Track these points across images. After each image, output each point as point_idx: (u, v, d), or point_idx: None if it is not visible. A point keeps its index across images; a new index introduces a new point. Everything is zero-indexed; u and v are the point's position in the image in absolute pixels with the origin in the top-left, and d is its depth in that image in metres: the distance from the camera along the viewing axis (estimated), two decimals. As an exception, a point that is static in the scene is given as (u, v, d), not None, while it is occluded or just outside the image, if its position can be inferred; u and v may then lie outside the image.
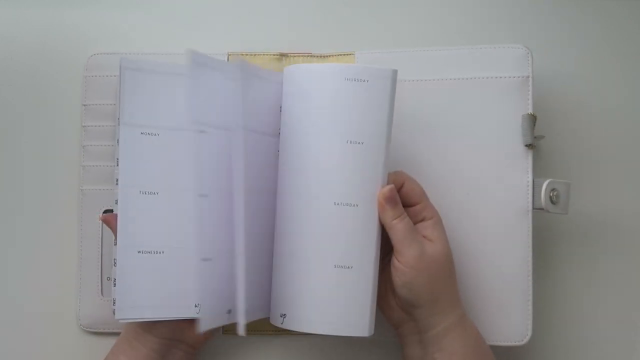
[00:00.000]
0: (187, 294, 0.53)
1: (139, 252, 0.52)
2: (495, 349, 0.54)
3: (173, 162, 0.54)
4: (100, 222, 0.59)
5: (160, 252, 0.53)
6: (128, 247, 0.52)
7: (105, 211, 0.59)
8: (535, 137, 0.56)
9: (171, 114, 0.54)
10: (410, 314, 0.51)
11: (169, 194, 0.53)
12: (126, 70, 0.54)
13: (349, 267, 0.51)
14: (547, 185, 0.55)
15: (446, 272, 0.51)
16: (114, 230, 0.53)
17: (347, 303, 0.51)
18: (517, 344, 0.55)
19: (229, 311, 0.52)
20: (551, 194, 0.55)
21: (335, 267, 0.51)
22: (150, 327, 0.53)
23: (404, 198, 0.51)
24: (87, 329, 0.60)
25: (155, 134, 0.54)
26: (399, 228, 0.50)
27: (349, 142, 0.51)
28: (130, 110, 0.54)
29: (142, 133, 0.54)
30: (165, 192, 0.53)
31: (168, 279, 0.53)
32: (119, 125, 0.53)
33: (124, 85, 0.54)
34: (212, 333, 0.56)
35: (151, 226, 0.53)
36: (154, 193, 0.53)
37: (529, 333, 0.55)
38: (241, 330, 0.47)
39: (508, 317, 0.55)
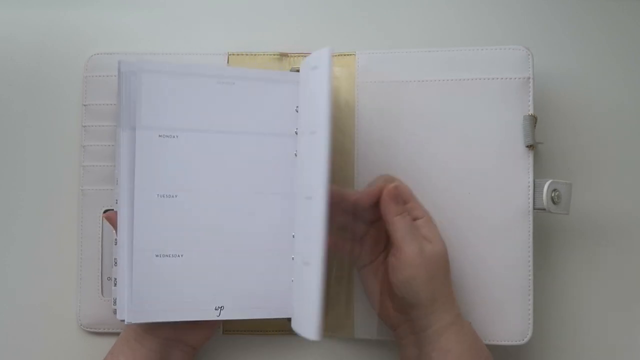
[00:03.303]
0: (206, 296, 0.53)
1: (157, 255, 0.52)
2: (496, 349, 0.54)
3: (192, 164, 0.54)
4: (101, 222, 0.59)
5: (179, 256, 0.53)
6: (145, 251, 0.52)
7: (106, 211, 0.59)
8: (535, 142, 0.56)
9: (189, 115, 0.54)
10: (407, 313, 0.52)
11: (188, 196, 0.53)
12: (143, 73, 0.53)
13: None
14: (549, 185, 0.55)
15: (443, 271, 0.51)
16: (115, 227, 0.53)
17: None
18: (518, 343, 0.55)
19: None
20: (553, 195, 0.55)
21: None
22: (151, 327, 0.53)
23: None
24: (87, 329, 0.60)
25: (174, 136, 0.54)
26: (401, 224, 0.51)
27: (299, 133, 0.53)
28: (148, 113, 0.53)
29: (160, 136, 0.53)
30: (184, 194, 0.53)
31: (187, 282, 0.52)
32: (119, 126, 0.53)
33: (141, 88, 0.53)
34: (212, 333, 0.56)
35: (169, 229, 0.52)
36: (173, 196, 0.53)
37: (529, 333, 0.55)
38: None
39: (508, 316, 0.56)
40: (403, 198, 0.53)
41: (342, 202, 0.53)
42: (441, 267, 0.51)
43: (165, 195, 0.53)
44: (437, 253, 0.51)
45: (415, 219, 0.52)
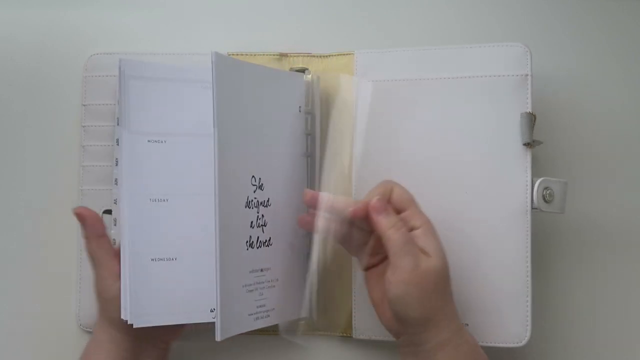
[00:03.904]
0: (201, 298, 0.53)
1: (152, 259, 0.53)
2: (494, 351, 0.54)
3: (181, 168, 0.55)
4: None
5: (173, 259, 0.53)
6: (140, 255, 0.52)
7: (105, 211, 0.59)
8: (533, 141, 0.55)
9: (177, 120, 0.55)
10: (404, 327, 0.50)
11: (179, 200, 0.54)
12: (130, 79, 0.54)
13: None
14: (540, 183, 0.54)
15: (440, 287, 0.48)
16: (85, 226, 0.53)
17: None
18: (516, 345, 0.55)
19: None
20: (544, 193, 0.54)
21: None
22: (125, 327, 0.52)
23: (391, 205, 0.50)
24: (87, 329, 0.60)
25: (162, 141, 0.54)
26: (394, 238, 0.48)
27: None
28: (135, 118, 0.54)
29: (149, 141, 0.54)
30: (175, 198, 0.54)
31: (183, 285, 0.53)
32: (117, 125, 0.54)
33: (128, 95, 0.54)
34: (183, 328, 0.56)
35: (163, 233, 0.53)
36: (164, 200, 0.54)
37: (528, 335, 0.55)
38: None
39: (506, 318, 0.55)
40: (398, 207, 0.50)
41: (337, 212, 0.52)
42: (438, 283, 0.48)
43: (156, 200, 0.54)
44: (434, 268, 0.48)
45: (412, 229, 0.50)
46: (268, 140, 0.55)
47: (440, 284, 0.48)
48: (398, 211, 0.50)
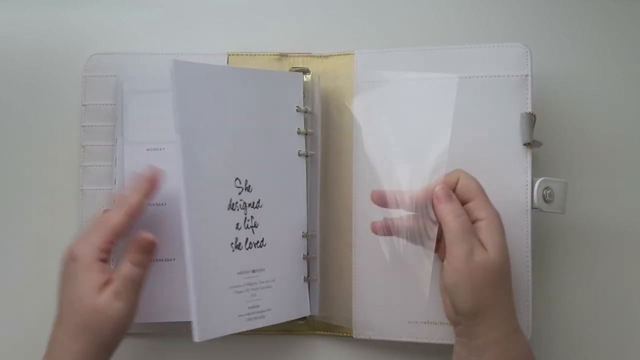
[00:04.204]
0: None
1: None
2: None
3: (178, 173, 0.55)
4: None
5: (171, 260, 0.55)
6: None
7: (106, 211, 0.59)
8: (533, 141, 0.55)
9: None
10: (457, 317, 0.49)
11: (177, 203, 0.54)
12: (127, 94, 0.56)
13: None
14: (540, 183, 0.54)
15: (495, 284, 0.47)
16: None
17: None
18: (517, 344, 0.55)
19: None
20: (544, 193, 0.54)
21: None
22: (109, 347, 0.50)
23: (457, 195, 0.49)
24: (87, 329, 0.60)
25: (161, 149, 0.56)
26: (451, 226, 0.47)
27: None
28: (134, 130, 0.56)
29: (147, 149, 0.56)
30: (173, 202, 0.55)
31: (180, 284, 0.53)
32: (121, 132, 0.55)
33: (126, 108, 0.56)
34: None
35: (161, 236, 0.53)
36: (162, 204, 0.55)
37: (529, 334, 0.55)
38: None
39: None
40: (464, 196, 0.49)
41: (407, 206, 0.51)
42: (493, 279, 0.47)
43: (155, 204, 0.55)
44: (489, 263, 0.47)
45: (475, 221, 0.49)
46: (257, 141, 0.55)
47: (495, 280, 0.47)
48: (464, 201, 0.50)
